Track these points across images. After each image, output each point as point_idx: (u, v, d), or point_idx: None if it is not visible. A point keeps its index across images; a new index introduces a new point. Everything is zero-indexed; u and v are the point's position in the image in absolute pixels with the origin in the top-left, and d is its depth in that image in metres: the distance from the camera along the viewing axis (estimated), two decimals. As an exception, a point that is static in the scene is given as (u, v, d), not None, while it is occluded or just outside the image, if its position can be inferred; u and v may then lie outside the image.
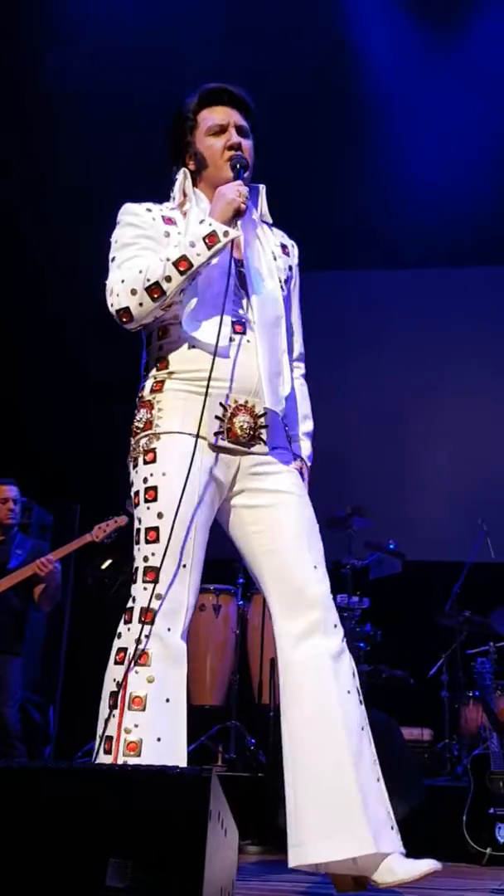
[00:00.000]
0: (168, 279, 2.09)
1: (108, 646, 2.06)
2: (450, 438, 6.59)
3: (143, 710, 1.94)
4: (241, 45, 5.71)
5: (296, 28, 5.80)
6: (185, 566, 2.05)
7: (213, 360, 2.08)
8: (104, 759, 1.93)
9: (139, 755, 1.90)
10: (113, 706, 1.96)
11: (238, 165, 2.23)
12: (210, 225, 2.12)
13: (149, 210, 2.27)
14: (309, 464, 2.39)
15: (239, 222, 2.17)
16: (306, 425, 2.43)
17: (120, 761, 1.90)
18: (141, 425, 2.17)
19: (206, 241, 2.10)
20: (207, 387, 2.07)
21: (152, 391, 2.19)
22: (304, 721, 2.06)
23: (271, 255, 2.34)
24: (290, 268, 2.42)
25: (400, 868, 1.95)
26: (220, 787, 1.27)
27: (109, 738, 1.94)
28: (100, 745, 1.96)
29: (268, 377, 2.17)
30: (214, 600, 4.89)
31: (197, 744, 4.49)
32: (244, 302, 2.22)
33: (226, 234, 2.12)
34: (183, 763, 1.91)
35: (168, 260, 2.10)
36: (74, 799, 1.21)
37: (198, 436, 2.09)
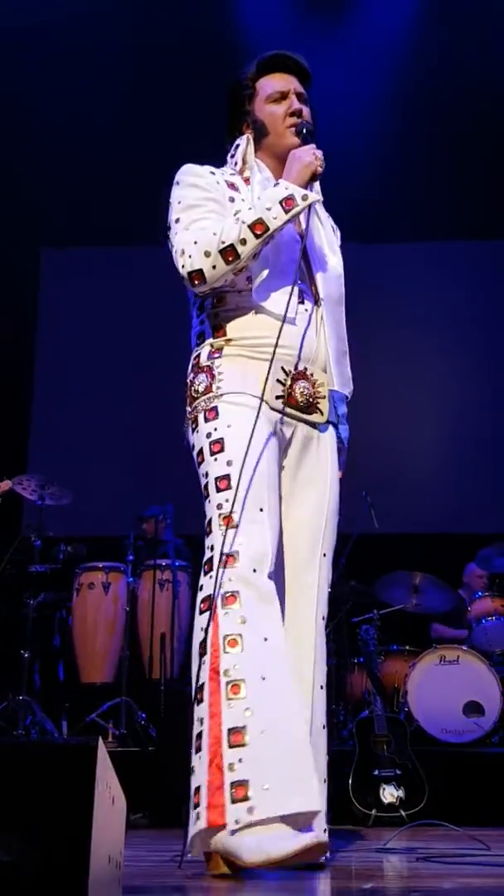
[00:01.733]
0: (243, 242, 2.03)
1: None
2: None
3: (241, 650, 1.82)
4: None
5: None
6: (261, 510, 1.98)
7: (281, 326, 2.02)
8: (198, 710, 1.82)
9: (244, 696, 1.78)
10: (203, 653, 1.86)
11: (305, 131, 2.19)
12: (287, 188, 2.06)
13: (212, 173, 2.20)
14: (346, 447, 2.33)
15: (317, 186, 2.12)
16: (343, 407, 2.35)
17: (224, 706, 1.78)
18: (201, 389, 2.11)
19: (283, 204, 2.05)
20: (274, 352, 2.01)
21: (210, 357, 2.13)
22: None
23: (331, 229, 2.33)
24: (340, 247, 2.40)
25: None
26: (108, 758, 1.27)
27: (201, 687, 1.83)
28: (195, 697, 1.85)
29: (335, 357, 2.18)
30: (104, 577, 4.86)
31: (87, 720, 4.48)
32: (305, 275, 2.19)
33: (304, 197, 2.06)
34: (292, 708, 1.84)
35: (244, 223, 2.04)
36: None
37: (262, 398, 2.03)
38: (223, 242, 2.03)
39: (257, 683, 1.79)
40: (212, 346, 2.14)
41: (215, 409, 2.07)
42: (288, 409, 2.09)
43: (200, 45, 5.99)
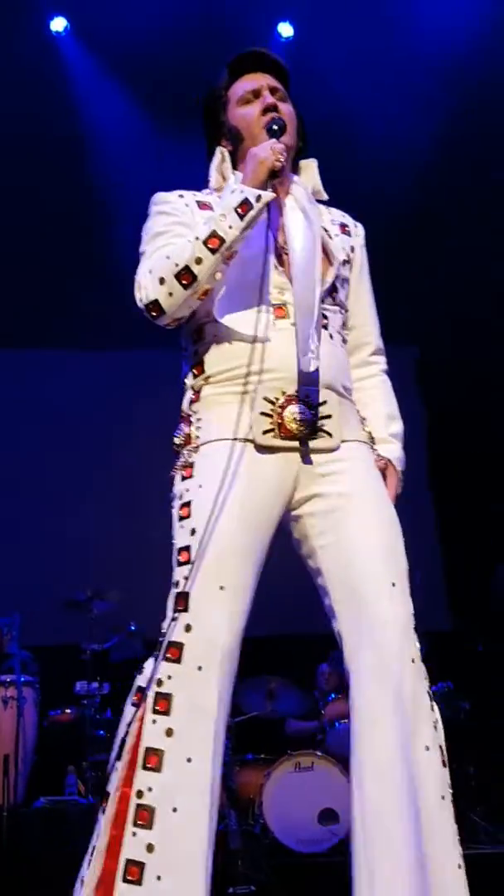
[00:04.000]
0: (199, 261, 1.79)
1: None
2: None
3: (160, 771, 1.59)
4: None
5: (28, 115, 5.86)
6: (222, 588, 1.68)
7: (252, 349, 1.80)
8: (102, 820, 1.60)
9: (150, 826, 1.55)
10: (118, 758, 1.63)
11: (275, 126, 1.93)
12: (242, 192, 1.81)
13: (181, 196, 2.01)
14: (399, 469, 2.00)
15: (277, 185, 1.88)
16: (393, 426, 2.06)
17: (128, 832, 1.56)
18: (180, 441, 1.89)
19: (238, 210, 1.80)
20: (246, 381, 1.78)
21: (191, 403, 1.91)
22: (368, 790, 1.64)
23: (324, 233, 2.02)
24: (353, 248, 2.11)
25: None
26: None
27: (108, 796, 1.61)
28: (99, 802, 1.64)
29: (301, 346, 1.83)
30: None
31: None
32: (287, 285, 1.91)
33: (258, 198, 1.80)
34: (201, 846, 1.56)
35: (197, 239, 1.81)
36: None
37: (244, 439, 1.79)
38: (177, 265, 1.81)
39: (167, 816, 1.57)
40: (192, 389, 1.93)
41: (192, 465, 1.83)
42: (281, 443, 1.81)
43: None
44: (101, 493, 6.85)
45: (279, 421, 1.81)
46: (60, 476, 6.92)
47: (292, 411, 1.82)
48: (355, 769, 1.68)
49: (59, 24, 5.90)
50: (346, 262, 2.07)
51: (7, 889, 3.54)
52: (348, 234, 2.12)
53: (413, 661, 1.71)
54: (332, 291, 2.00)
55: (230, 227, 1.80)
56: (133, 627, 5.30)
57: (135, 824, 1.57)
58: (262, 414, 1.81)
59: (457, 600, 7.04)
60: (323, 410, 1.84)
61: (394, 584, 1.77)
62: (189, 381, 1.95)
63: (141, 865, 1.56)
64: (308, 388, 1.83)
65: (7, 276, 6.47)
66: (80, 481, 6.88)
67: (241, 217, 1.80)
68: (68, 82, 6.05)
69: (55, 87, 5.96)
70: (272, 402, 1.82)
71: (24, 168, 6.00)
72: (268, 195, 1.82)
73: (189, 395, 1.94)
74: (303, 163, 2.12)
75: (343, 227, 2.12)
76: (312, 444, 1.83)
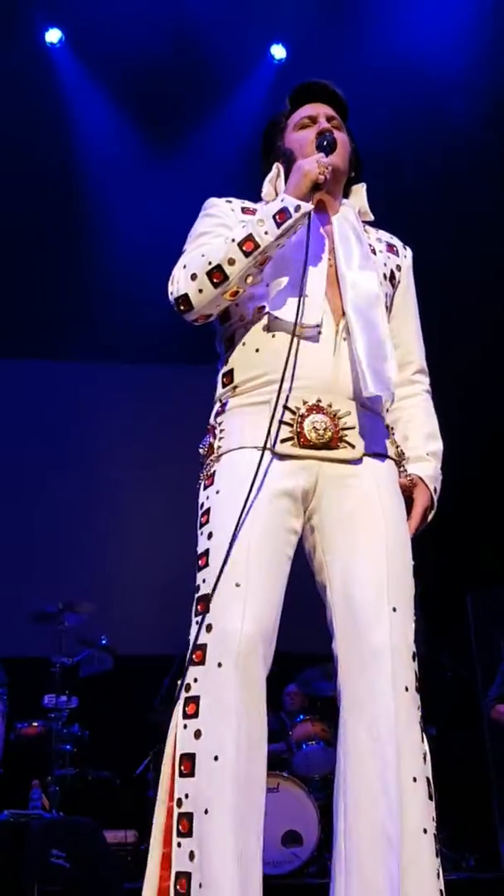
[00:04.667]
0: (231, 262, 1.81)
1: None
2: (161, 531, 6.68)
3: (193, 775, 1.59)
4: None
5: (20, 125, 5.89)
6: (238, 585, 1.68)
7: (277, 357, 1.78)
8: (154, 831, 1.62)
9: (190, 834, 1.56)
10: (164, 769, 1.65)
11: (325, 142, 1.94)
12: (283, 201, 1.83)
13: (229, 202, 2.04)
14: (431, 487, 1.97)
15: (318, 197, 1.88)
16: (431, 444, 2.04)
17: (174, 844, 1.57)
18: (204, 452, 1.91)
19: (276, 218, 1.81)
20: (279, 389, 1.75)
21: (217, 415, 1.92)
22: (351, 822, 1.63)
23: (369, 248, 2.03)
24: (399, 268, 2.11)
25: None
26: None
27: (156, 809, 1.62)
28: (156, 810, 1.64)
29: (367, 362, 1.82)
30: None
31: None
32: (327, 294, 1.90)
33: (297, 208, 1.81)
34: (229, 847, 1.54)
35: (233, 241, 1.82)
36: None
37: (263, 448, 1.77)
38: (210, 263, 1.83)
39: (202, 820, 1.56)
40: (220, 401, 1.94)
41: (214, 474, 1.85)
42: (300, 451, 1.80)
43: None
44: (77, 505, 6.81)
45: (299, 430, 1.80)
46: (36, 486, 6.89)
47: (313, 420, 1.81)
48: (338, 796, 1.68)
49: (53, 35, 5.93)
50: (390, 278, 2.08)
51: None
52: (396, 254, 2.14)
53: (406, 689, 1.69)
54: None
55: (266, 233, 1.82)
56: (104, 641, 5.28)
57: (179, 834, 1.59)
58: (283, 423, 1.80)
59: (429, 625, 7.06)
60: (346, 422, 1.83)
61: (395, 609, 1.74)
62: (218, 391, 1.96)
63: (188, 876, 1.56)
64: (333, 398, 1.83)
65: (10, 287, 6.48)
66: (57, 492, 6.84)
67: (279, 225, 1.82)
68: (61, 94, 6.09)
69: (48, 98, 6.00)
70: (293, 412, 1.81)
71: (16, 178, 6.01)
72: (307, 206, 1.83)
73: (216, 407, 1.95)
74: (353, 187, 2.16)
75: (391, 247, 2.14)
76: (333, 454, 1.82)
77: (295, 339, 1.79)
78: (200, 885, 1.54)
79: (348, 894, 1.59)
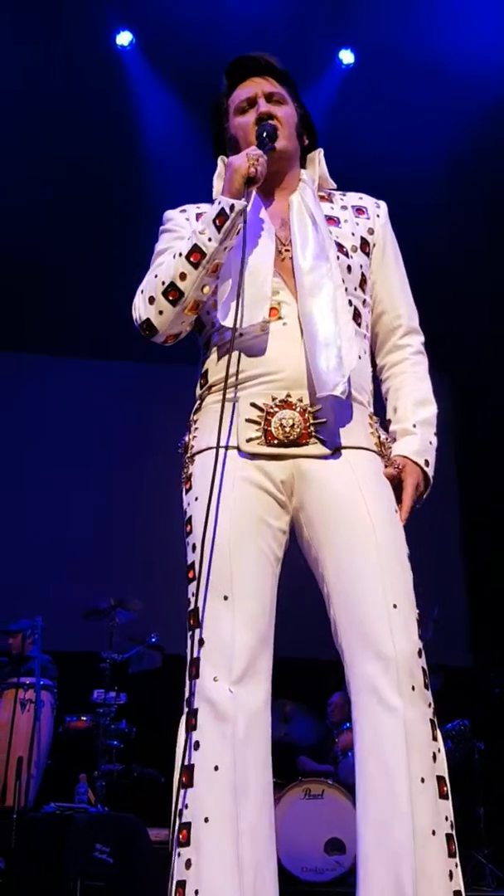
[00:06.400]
0: (183, 277, 1.81)
1: None
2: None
3: (193, 786, 1.58)
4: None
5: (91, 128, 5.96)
6: (225, 598, 1.66)
7: (230, 354, 1.76)
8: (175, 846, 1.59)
9: (188, 843, 1.56)
10: (174, 782, 1.63)
11: (264, 134, 1.90)
12: (219, 203, 1.81)
13: (183, 211, 2.01)
14: (422, 461, 1.87)
15: (253, 192, 1.83)
16: (420, 412, 1.93)
17: (175, 854, 1.57)
18: (181, 451, 1.90)
19: (216, 222, 1.79)
20: (225, 386, 1.73)
21: (194, 413, 1.91)
22: (361, 828, 1.62)
23: (327, 229, 1.92)
24: (371, 231, 2.01)
25: None
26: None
27: (174, 821, 1.59)
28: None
29: (314, 353, 1.74)
30: (-42, 694, 4.61)
31: None
32: (282, 286, 1.85)
33: (232, 207, 1.78)
34: (227, 851, 1.53)
35: (180, 255, 1.82)
36: None
37: (231, 447, 1.75)
38: (163, 283, 1.83)
39: (200, 827, 1.56)
40: (199, 399, 1.92)
41: (191, 477, 1.83)
42: (267, 450, 1.75)
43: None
44: (127, 502, 6.88)
45: (266, 427, 1.75)
46: (89, 484, 6.97)
47: (280, 417, 1.75)
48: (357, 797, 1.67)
49: (124, 38, 6.00)
50: (362, 246, 1.97)
51: (13, 891, 3.55)
52: (366, 215, 2.03)
53: (413, 688, 1.62)
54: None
55: (209, 240, 1.80)
56: (154, 639, 5.31)
57: (178, 844, 1.58)
58: (249, 420, 1.76)
59: (478, 637, 6.96)
60: (317, 416, 1.76)
61: (395, 606, 1.66)
62: (197, 391, 1.94)
63: (183, 884, 1.55)
64: (303, 392, 1.77)
65: (44, 282, 6.55)
66: (112, 489, 6.92)
67: (219, 229, 1.79)
68: (131, 96, 6.15)
69: (117, 100, 6.06)
70: (261, 409, 1.77)
71: (84, 178, 6.10)
72: (240, 204, 1.79)
73: (196, 405, 1.93)
74: (309, 156, 2.08)
75: (360, 210, 2.04)
76: (302, 451, 1.76)
77: (265, 336, 1.78)
78: (196, 893, 1.53)
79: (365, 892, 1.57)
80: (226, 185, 1.83)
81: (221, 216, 1.79)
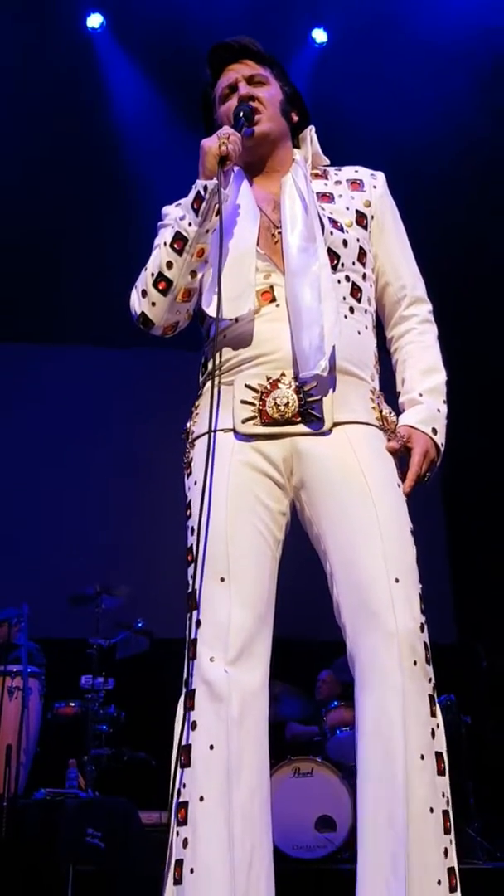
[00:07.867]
0: (169, 265, 1.82)
1: None
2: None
3: (189, 765, 1.60)
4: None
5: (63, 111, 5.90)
6: (222, 580, 1.69)
7: (215, 336, 1.79)
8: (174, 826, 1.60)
9: (185, 822, 1.58)
10: (172, 762, 1.64)
11: (241, 114, 1.92)
12: (195, 187, 1.82)
13: (178, 205, 1.97)
14: (429, 430, 1.85)
15: (232, 172, 1.85)
16: (427, 381, 1.91)
17: (173, 833, 1.59)
18: (183, 436, 1.92)
19: (194, 206, 1.81)
20: (217, 369, 1.76)
21: (196, 399, 1.92)
22: (360, 806, 1.63)
23: (317, 208, 1.90)
24: (368, 203, 1.99)
25: None
26: None
27: (173, 801, 1.61)
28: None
29: (298, 332, 1.75)
30: None
31: None
32: (273, 268, 1.85)
33: (206, 189, 1.78)
34: (220, 828, 1.55)
35: (165, 244, 1.83)
36: None
37: (228, 429, 1.77)
38: (152, 275, 1.86)
39: (196, 806, 1.58)
40: (201, 385, 1.93)
41: (191, 462, 1.85)
42: (262, 429, 1.76)
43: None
44: (114, 489, 6.88)
45: (261, 408, 1.76)
46: (74, 471, 6.95)
47: (275, 396, 1.76)
48: (357, 778, 1.68)
49: (95, 20, 5.94)
50: (358, 220, 1.96)
51: (5, 879, 3.56)
52: (362, 188, 2.02)
53: (415, 662, 1.62)
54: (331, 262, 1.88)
55: (189, 225, 1.81)
56: (140, 624, 5.33)
57: (177, 824, 1.60)
58: (244, 402, 1.77)
59: (463, 613, 7.02)
60: (312, 393, 1.75)
61: (397, 580, 1.66)
62: (200, 378, 1.95)
63: (180, 863, 1.57)
64: (295, 370, 1.76)
65: (40, 271, 6.51)
66: (94, 476, 6.91)
67: (197, 212, 1.81)
68: (102, 78, 6.10)
69: (89, 82, 6.00)
70: (255, 390, 1.78)
71: (57, 163, 6.04)
72: (211, 183, 1.79)
73: (199, 391, 1.94)
74: (301, 135, 2.08)
75: (354, 183, 2.02)
76: (297, 428, 1.76)
77: (260, 320, 1.80)
78: (192, 871, 1.55)
79: (359, 878, 1.59)
80: (200, 167, 1.84)
81: (198, 199, 1.80)
